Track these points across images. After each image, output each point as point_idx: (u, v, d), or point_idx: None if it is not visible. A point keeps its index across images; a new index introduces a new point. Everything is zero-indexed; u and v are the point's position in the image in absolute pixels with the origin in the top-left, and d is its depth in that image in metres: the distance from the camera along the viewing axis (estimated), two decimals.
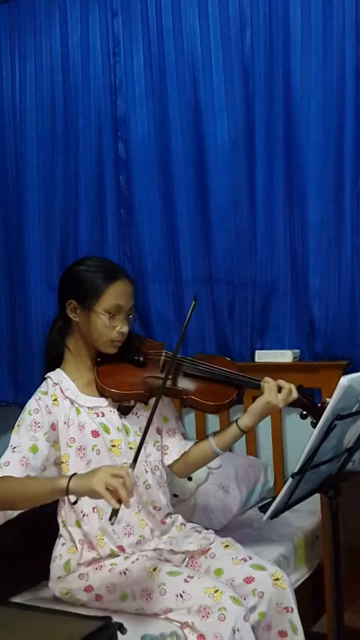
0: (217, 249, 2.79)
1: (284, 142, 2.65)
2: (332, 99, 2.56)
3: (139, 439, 1.88)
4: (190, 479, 2.32)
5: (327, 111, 2.56)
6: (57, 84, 3.05)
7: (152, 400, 1.92)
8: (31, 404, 1.86)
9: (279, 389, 1.88)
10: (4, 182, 3.18)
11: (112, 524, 1.58)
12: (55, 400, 1.87)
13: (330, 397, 1.51)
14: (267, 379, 1.89)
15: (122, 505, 1.55)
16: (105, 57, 2.95)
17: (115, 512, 1.56)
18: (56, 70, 3.05)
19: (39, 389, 1.90)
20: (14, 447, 1.80)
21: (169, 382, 1.86)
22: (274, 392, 1.87)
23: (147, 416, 1.92)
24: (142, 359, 1.94)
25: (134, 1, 2.88)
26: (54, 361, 1.95)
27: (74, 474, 1.65)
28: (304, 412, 1.90)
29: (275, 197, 2.68)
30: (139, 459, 1.83)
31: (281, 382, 1.89)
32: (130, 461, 1.73)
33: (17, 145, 3.14)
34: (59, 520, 1.91)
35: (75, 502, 1.73)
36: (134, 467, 1.65)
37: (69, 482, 1.61)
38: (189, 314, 1.87)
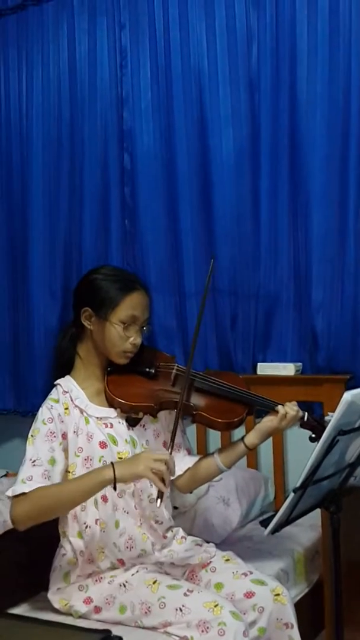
0: (220, 261, 2.79)
1: (288, 155, 2.66)
2: (337, 113, 2.57)
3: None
4: (190, 491, 2.31)
5: (332, 125, 2.57)
6: (64, 95, 3.06)
7: (160, 414, 1.92)
8: (44, 413, 1.85)
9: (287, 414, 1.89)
10: (10, 191, 3.19)
11: (159, 506, 1.71)
12: (67, 409, 1.87)
13: (332, 411, 1.51)
14: (280, 407, 1.90)
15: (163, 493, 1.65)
16: (112, 70, 2.97)
17: (161, 494, 1.67)
18: (63, 82, 3.06)
19: (49, 397, 1.89)
20: (34, 461, 1.78)
21: (178, 397, 1.85)
22: (282, 418, 1.88)
23: (154, 429, 1.93)
24: (153, 371, 1.93)
25: (141, 14, 2.90)
26: (63, 368, 1.94)
27: (111, 463, 1.71)
28: (313, 435, 1.90)
29: (280, 210, 2.69)
30: None
31: (287, 407, 1.89)
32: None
33: (23, 155, 3.15)
34: (60, 530, 1.90)
35: (115, 488, 1.74)
36: (171, 449, 1.75)
37: (114, 472, 1.67)
38: (209, 276, 1.92)
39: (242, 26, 2.72)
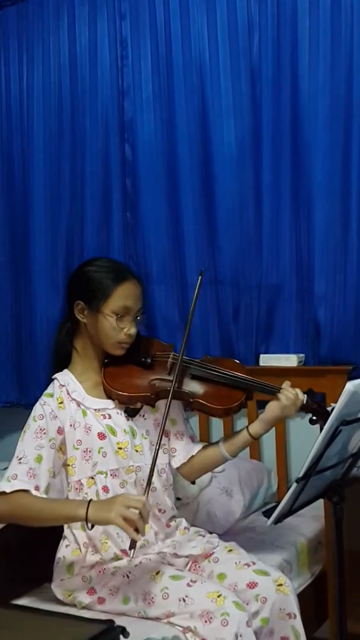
0: (222, 252, 2.78)
1: (290, 146, 2.65)
2: (339, 104, 2.55)
3: (145, 441, 1.89)
4: (193, 482, 2.32)
5: (334, 116, 2.56)
6: (64, 87, 3.05)
7: (160, 403, 1.91)
8: (36, 410, 1.86)
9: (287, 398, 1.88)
10: (11, 183, 3.19)
11: (131, 556, 1.65)
12: (61, 403, 1.87)
13: (335, 402, 1.51)
14: (282, 394, 1.88)
15: (140, 535, 1.60)
16: (113, 61, 2.95)
17: (134, 544, 1.62)
18: (64, 73, 3.05)
19: (45, 392, 1.90)
20: (20, 459, 1.79)
21: (176, 385, 1.85)
22: (284, 403, 1.87)
23: (154, 418, 1.92)
24: (149, 360, 1.92)
25: (142, 5, 2.88)
26: (62, 362, 1.94)
27: (90, 500, 1.68)
28: (314, 418, 1.89)
29: (282, 201, 2.68)
30: (146, 461, 1.84)
31: (287, 392, 1.88)
32: (136, 464, 1.75)
33: (24, 147, 3.14)
34: None
35: (92, 528, 1.73)
36: (147, 492, 1.69)
37: (87, 513, 1.64)
38: (196, 290, 1.89)
39: (243, 16, 2.70)
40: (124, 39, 2.93)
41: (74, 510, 1.69)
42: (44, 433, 1.82)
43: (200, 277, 1.92)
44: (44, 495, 1.78)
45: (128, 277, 1.89)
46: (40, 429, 1.82)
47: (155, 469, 1.88)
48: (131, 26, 2.91)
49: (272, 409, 1.89)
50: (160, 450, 1.91)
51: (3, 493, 1.75)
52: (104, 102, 2.97)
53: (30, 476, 1.77)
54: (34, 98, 3.11)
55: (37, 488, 1.77)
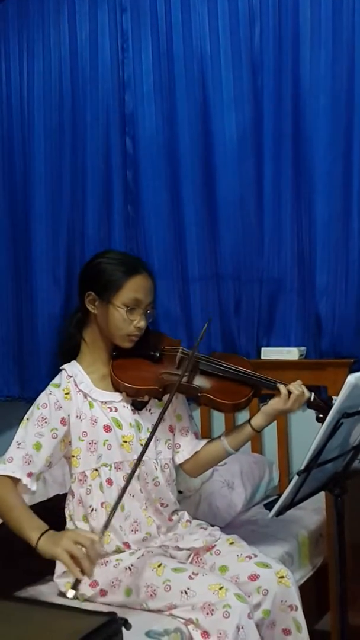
0: (224, 246, 2.78)
1: (292, 138, 2.64)
2: (341, 95, 2.55)
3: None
4: (198, 474, 2.32)
5: (336, 107, 2.55)
6: (65, 80, 3.04)
7: (167, 397, 1.92)
8: (41, 398, 1.87)
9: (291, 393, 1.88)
10: (11, 177, 3.18)
11: (72, 597, 1.56)
12: (68, 393, 1.87)
13: (336, 395, 1.51)
14: (282, 386, 1.89)
15: (85, 576, 1.55)
16: (113, 53, 2.94)
17: (77, 583, 1.55)
18: (64, 66, 3.04)
19: (52, 382, 1.90)
20: (19, 443, 1.80)
21: (184, 380, 1.86)
22: (290, 399, 1.87)
23: (160, 414, 1.92)
24: (158, 354, 1.93)
25: None
26: (69, 353, 1.94)
27: (47, 530, 1.66)
28: (320, 415, 1.90)
29: (283, 194, 2.68)
30: (150, 455, 1.84)
31: (292, 386, 1.89)
32: (137, 456, 1.75)
33: (25, 140, 3.13)
34: (67, 514, 1.91)
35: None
36: (104, 533, 1.66)
37: (38, 540, 1.63)
38: (201, 334, 1.89)
39: (244, 8, 2.69)
40: (124, 31, 2.92)
41: (29, 532, 1.66)
42: (46, 422, 1.83)
43: (206, 325, 1.94)
44: (34, 483, 1.78)
45: (140, 271, 1.89)
46: (42, 418, 1.83)
47: (159, 463, 1.89)
48: (132, 19, 2.90)
49: (276, 401, 1.89)
50: (164, 445, 1.92)
51: None
52: (105, 95, 2.96)
53: (26, 462, 1.77)
54: (35, 91, 3.10)
55: (29, 474, 1.78)
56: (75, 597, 1.63)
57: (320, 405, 1.91)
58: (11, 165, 3.17)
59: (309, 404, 1.92)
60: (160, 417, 1.79)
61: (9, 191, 3.19)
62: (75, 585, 1.55)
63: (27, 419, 1.85)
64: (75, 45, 3.01)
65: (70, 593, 1.54)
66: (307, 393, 1.89)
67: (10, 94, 3.16)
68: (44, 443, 1.81)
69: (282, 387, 1.89)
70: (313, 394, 1.91)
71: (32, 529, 1.67)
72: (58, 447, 1.84)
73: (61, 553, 1.58)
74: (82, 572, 1.56)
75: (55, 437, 1.83)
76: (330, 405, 1.87)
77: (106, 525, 1.66)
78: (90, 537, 1.61)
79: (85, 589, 1.84)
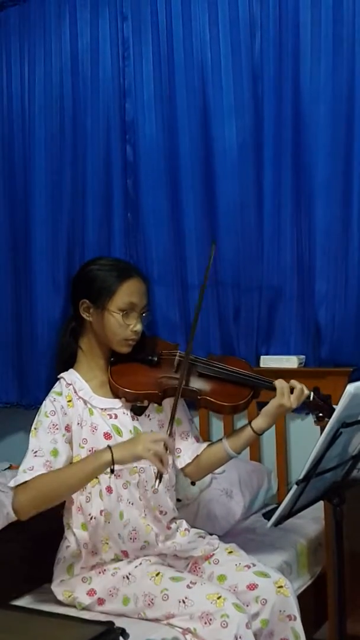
0: (223, 253, 2.78)
1: (292, 146, 2.65)
2: (341, 104, 2.55)
3: None
4: (193, 483, 2.31)
5: (336, 116, 2.56)
6: (66, 87, 3.05)
7: (166, 402, 1.92)
8: (47, 406, 1.86)
9: (292, 390, 1.87)
10: (12, 183, 3.18)
11: (156, 487, 1.71)
12: (70, 401, 1.87)
13: (336, 404, 1.51)
14: (279, 380, 1.89)
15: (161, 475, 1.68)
16: (114, 61, 2.95)
17: (160, 476, 1.69)
18: (65, 73, 3.05)
19: (52, 390, 1.90)
20: (35, 452, 1.79)
21: (183, 383, 1.86)
22: (287, 394, 1.86)
23: (159, 419, 1.93)
24: (156, 359, 1.93)
25: (144, 5, 2.88)
26: (66, 363, 1.94)
27: (108, 446, 1.71)
28: (320, 415, 1.88)
29: (283, 202, 2.68)
30: (150, 463, 1.84)
31: (293, 382, 1.88)
32: (139, 465, 1.78)
33: (25, 147, 3.14)
34: (65, 522, 1.91)
35: (113, 471, 1.74)
36: (170, 431, 1.77)
37: (112, 454, 1.68)
38: (209, 261, 1.91)
39: (245, 16, 2.70)
40: (125, 39, 2.93)
41: (98, 459, 1.71)
42: (57, 429, 1.82)
43: (212, 248, 1.93)
44: None
45: (132, 274, 1.90)
46: (53, 425, 1.82)
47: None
48: (133, 27, 2.91)
49: (276, 399, 1.88)
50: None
51: (24, 483, 1.74)
52: (106, 103, 2.97)
53: (47, 467, 1.76)
54: (36, 99, 3.10)
55: (60, 469, 1.78)
56: (157, 487, 1.73)
57: (320, 404, 1.89)
58: (12, 172, 3.18)
59: (309, 405, 1.91)
60: (171, 421, 1.80)
61: (9, 198, 3.19)
62: (159, 477, 1.69)
63: (36, 428, 1.83)
64: (76, 53, 3.02)
65: (156, 483, 1.70)
66: (305, 389, 1.88)
67: (11, 101, 3.17)
68: (60, 448, 1.81)
69: (277, 382, 1.88)
70: (312, 393, 1.90)
71: (98, 457, 1.72)
72: (70, 451, 1.83)
73: (143, 451, 1.67)
74: (163, 464, 1.66)
75: (67, 442, 1.83)
76: (330, 404, 1.87)
77: (172, 418, 1.78)
78: (163, 435, 1.73)
79: (82, 597, 1.84)
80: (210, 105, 2.77)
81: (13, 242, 3.20)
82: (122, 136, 2.95)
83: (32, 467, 1.76)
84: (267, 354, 2.74)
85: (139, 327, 1.88)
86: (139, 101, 2.91)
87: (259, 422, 1.91)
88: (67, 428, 1.84)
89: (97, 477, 1.83)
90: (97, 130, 2.98)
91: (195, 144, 2.80)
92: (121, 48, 2.94)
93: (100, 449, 1.75)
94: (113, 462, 1.69)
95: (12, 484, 1.77)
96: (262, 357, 2.71)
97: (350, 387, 1.47)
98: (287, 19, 2.63)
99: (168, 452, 1.68)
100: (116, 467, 1.72)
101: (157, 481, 1.68)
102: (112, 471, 1.72)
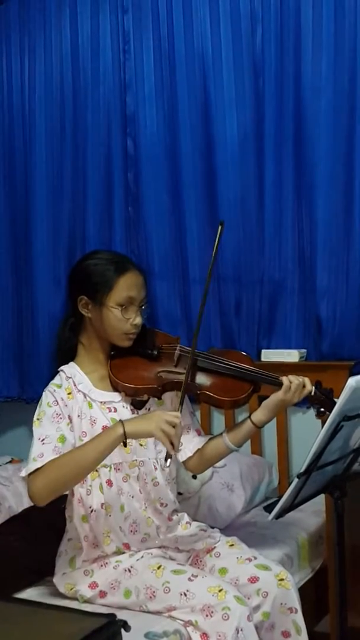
0: (224, 247, 2.77)
1: (293, 139, 2.64)
2: (342, 97, 2.55)
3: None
4: (194, 477, 2.32)
5: (337, 109, 2.55)
6: (66, 81, 3.04)
7: (166, 395, 1.92)
8: (48, 397, 1.85)
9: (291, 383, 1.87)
10: (12, 178, 3.18)
11: (167, 465, 1.74)
12: (70, 393, 1.87)
13: (337, 397, 1.51)
14: (285, 377, 1.89)
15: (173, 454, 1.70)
16: (115, 54, 2.94)
17: (169, 456, 1.70)
18: (66, 67, 3.04)
19: (52, 382, 1.89)
20: (43, 439, 1.78)
21: (182, 377, 1.85)
22: (291, 390, 1.86)
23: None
24: (156, 352, 1.92)
25: None
26: (66, 358, 1.94)
27: (120, 420, 1.72)
28: (322, 409, 1.88)
29: (284, 195, 2.68)
30: (150, 455, 1.84)
31: (292, 377, 1.88)
32: (139, 458, 1.78)
33: (25, 141, 3.13)
34: (66, 515, 1.91)
35: (125, 444, 1.74)
36: (180, 410, 1.76)
37: (124, 429, 1.69)
38: (217, 241, 1.92)
39: (246, 9, 2.69)
40: (126, 32, 2.92)
41: (111, 435, 1.71)
42: (61, 417, 1.82)
43: (220, 228, 1.94)
44: None
45: (129, 268, 1.89)
46: (57, 414, 1.82)
47: (159, 462, 1.88)
48: (133, 20, 2.90)
49: (277, 394, 1.88)
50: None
51: (37, 470, 1.73)
52: (106, 96, 2.96)
53: (57, 453, 1.76)
54: (36, 92, 3.09)
55: (71, 450, 1.77)
56: (167, 466, 1.77)
57: (322, 399, 1.89)
58: (12, 166, 3.17)
59: (310, 399, 1.90)
60: (180, 407, 1.80)
61: (10, 192, 3.19)
62: (169, 457, 1.70)
63: (39, 419, 1.82)
64: (77, 47, 3.01)
65: (167, 462, 1.71)
66: (308, 385, 1.88)
67: (12, 95, 3.16)
68: (67, 435, 1.80)
69: (283, 379, 1.88)
70: (314, 387, 1.89)
71: (111, 432, 1.72)
72: (75, 439, 1.83)
73: (155, 429, 1.68)
74: (173, 446, 1.67)
75: (72, 430, 1.83)
76: (331, 399, 1.87)
77: (181, 403, 1.78)
78: (177, 414, 1.72)
79: (84, 590, 1.85)
80: (211, 99, 2.77)
81: (14, 236, 3.19)
82: (122, 130, 2.94)
83: (41, 454, 1.75)
84: (268, 347, 2.74)
85: (138, 320, 1.88)
86: (139, 95, 2.90)
87: (259, 415, 1.91)
88: (70, 418, 1.84)
89: (96, 470, 1.83)
90: (98, 123, 2.97)
91: (196, 138, 2.80)
92: (122, 41, 2.93)
93: (112, 426, 1.75)
94: (125, 436, 1.69)
95: (23, 473, 1.76)
96: (263, 350, 2.71)
97: (352, 381, 1.48)
98: (288, 12, 2.62)
99: (178, 434, 1.68)
100: (129, 442, 1.73)
101: (169, 459, 1.69)
102: (124, 444, 1.72)
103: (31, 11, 3.10)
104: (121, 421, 1.72)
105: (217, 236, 1.91)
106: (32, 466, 1.74)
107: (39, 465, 1.73)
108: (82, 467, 1.74)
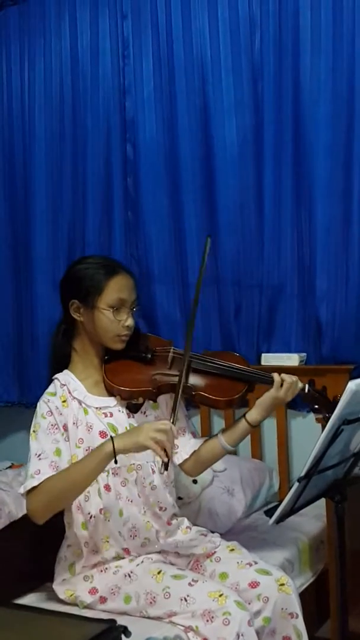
0: (224, 251, 2.78)
1: (292, 144, 2.65)
2: (341, 102, 2.55)
3: None
4: (195, 481, 2.32)
5: (336, 114, 2.56)
6: (66, 86, 3.05)
7: (161, 398, 1.93)
8: (42, 408, 1.86)
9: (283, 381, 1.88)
10: (12, 183, 3.19)
11: (164, 471, 1.74)
12: (65, 401, 1.87)
13: (333, 399, 1.51)
14: (275, 374, 1.90)
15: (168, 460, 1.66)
16: (114, 60, 2.95)
17: (166, 465, 1.67)
18: (65, 72, 3.05)
19: (46, 391, 1.90)
20: (39, 455, 1.79)
21: (176, 379, 1.86)
22: (283, 387, 1.88)
23: (155, 415, 1.93)
24: (149, 356, 1.93)
25: (143, 4, 2.88)
26: (60, 364, 1.95)
27: (110, 437, 1.72)
28: (316, 407, 1.88)
29: (283, 200, 2.68)
30: (147, 459, 1.84)
31: (284, 375, 1.89)
32: (137, 462, 1.75)
33: (25, 146, 3.14)
34: (65, 521, 1.91)
35: (116, 462, 1.73)
36: (173, 418, 1.75)
37: (113, 445, 1.68)
38: (204, 255, 1.91)
39: (244, 15, 2.70)
40: (125, 38, 2.93)
41: (100, 453, 1.71)
42: (56, 428, 1.83)
43: (207, 241, 1.94)
44: None
45: (119, 270, 1.90)
46: (52, 425, 1.83)
47: (156, 466, 1.88)
48: (132, 26, 2.91)
49: (270, 392, 1.89)
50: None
51: (34, 488, 1.75)
52: (106, 101, 2.97)
53: (53, 468, 1.77)
54: (36, 97, 3.11)
55: (65, 468, 1.78)
56: (162, 472, 1.79)
57: (315, 396, 1.90)
58: (12, 171, 3.18)
59: (304, 397, 1.91)
60: (174, 410, 1.79)
61: (9, 197, 3.19)
62: (165, 466, 1.68)
63: (35, 431, 1.84)
64: (76, 52, 3.02)
65: (163, 470, 1.72)
66: (300, 384, 1.89)
67: (11, 100, 3.17)
68: (62, 447, 1.81)
69: (275, 375, 1.89)
70: (307, 385, 1.90)
71: (100, 450, 1.71)
72: (70, 449, 1.83)
73: (145, 439, 1.66)
74: (166, 453, 1.65)
75: (67, 440, 1.83)
76: (325, 396, 1.88)
77: (174, 408, 1.77)
78: (166, 424, 1.70)
79: (84, 595, 1.84)
80: (210, 104, 2.77)
81: (13, 240, 3.20)
82: (122, 135, 2.95)
83: (38, 470, 1.76)
84: (268, 351, 2.74)
85: (130, 321, 1.88)
86: (139, 100, 2.91)
87: (253, 414, 1.91)
88: (64, 427, 1.85)
89: None
90: (97, 128, 2.98)
91: (195, 143, 2.80)
92: (121, 47, 2.94)
93: (102, 443, 1.75)
94: (115, 453, 1.68)
95: (21, 490, 1.77)
96: (263, 354, 2.71)
97: (352, 384, 1.48)
98: (286, 17, 2.62)
99: (170, 441, 1.67)
100: (119, 457, 1.71)
101: (164, 468, 1.68)
102: (115, 462, 1.72)
103: (31, 17, 3.12)
104: (112, 437, 1.72)
105: (204, 252, 1.91)
106: (29, 484, 1.75)
107: (35, 483, 1.75)
108: (76, 486, 1.76)
